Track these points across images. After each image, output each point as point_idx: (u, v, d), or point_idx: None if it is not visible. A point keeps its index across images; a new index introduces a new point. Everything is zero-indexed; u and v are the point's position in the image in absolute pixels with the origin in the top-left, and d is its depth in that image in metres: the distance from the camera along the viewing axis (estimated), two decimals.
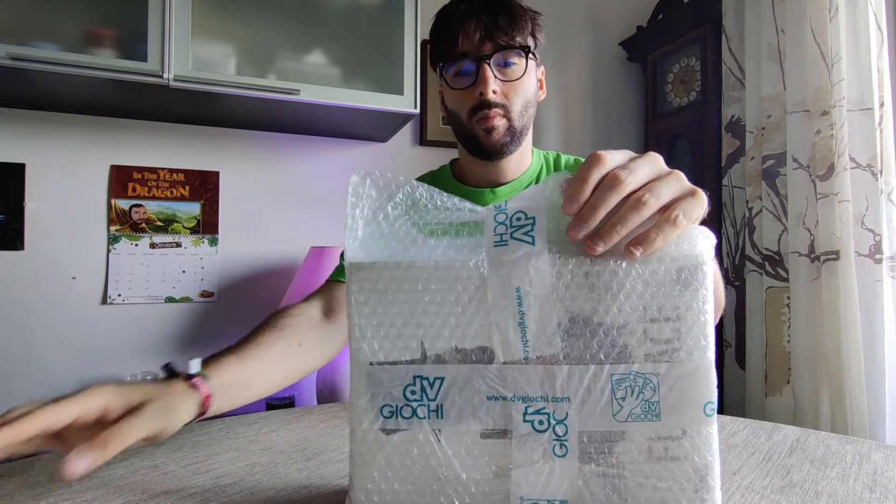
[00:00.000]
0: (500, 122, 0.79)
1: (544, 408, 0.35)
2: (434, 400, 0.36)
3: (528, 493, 0.35)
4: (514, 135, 0.81)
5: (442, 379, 0.36)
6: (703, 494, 0.34)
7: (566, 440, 0.35)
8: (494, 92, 0.77)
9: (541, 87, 0.86)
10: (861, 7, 1.28)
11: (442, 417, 0.36)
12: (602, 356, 0.35)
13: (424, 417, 0.36)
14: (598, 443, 0.35)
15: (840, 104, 1.27)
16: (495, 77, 0.78)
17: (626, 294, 0.35)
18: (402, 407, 0.36)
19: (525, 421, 0.35)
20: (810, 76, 1.35)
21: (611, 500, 0.35)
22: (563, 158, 0.94)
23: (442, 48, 0.80)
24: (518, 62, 0.79)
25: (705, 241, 0.36)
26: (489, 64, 0.77)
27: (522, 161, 0.89)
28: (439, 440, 0.36)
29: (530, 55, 0.80)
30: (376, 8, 1.46)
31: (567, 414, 0.35)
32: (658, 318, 0.34)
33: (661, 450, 0.34)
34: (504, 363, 0.36)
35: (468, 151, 0.86)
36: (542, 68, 0.86)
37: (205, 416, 0.54)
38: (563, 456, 0.35)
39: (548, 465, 0.35)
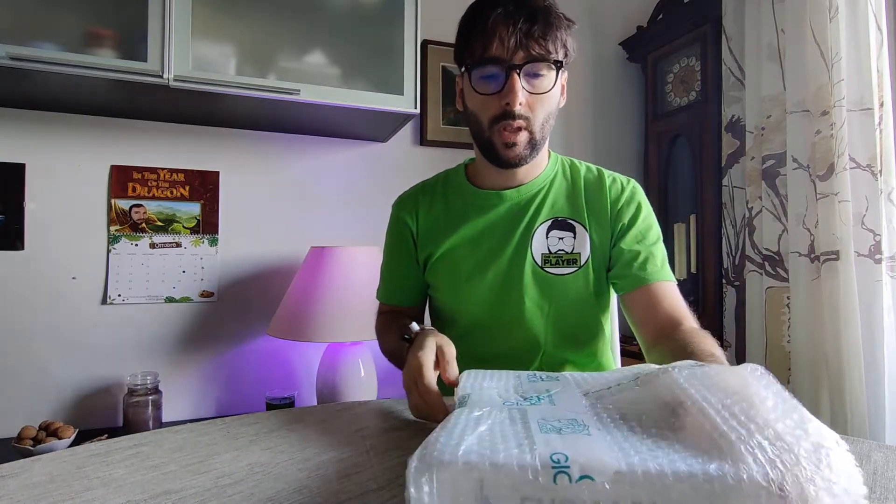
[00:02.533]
0: (521, 136, 0.78)
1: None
2: None
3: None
4: (533, 147, 0.81)
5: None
6: None
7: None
8: (521, 104, 0.76)
9: (562, 93, 0.84)
10: (861, 7, 1.28)
11: None
12: None
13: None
14: None
15: (840, 104, 1.27)
16: (523, 88, 0.76)
17: None
18: None
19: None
20: (810, 76, 1.35)
21: None
22: (583, 168, 0.92)
23: (472, 48, 0.77)
24: (548, 74, 0.77)
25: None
26: (519, 74, 0.75)
27: (537, 165, 0.88)
28: None
29: (561, 68, 0.78)
30: (376, 8, 1.46)
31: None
32: None
33: None
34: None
35: (483, 155, 0.85)
36: (565, 74, 0.83)
37: None
38: None
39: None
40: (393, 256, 0.97)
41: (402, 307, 0.98)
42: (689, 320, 0.78)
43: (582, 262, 0.85)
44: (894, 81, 1.31)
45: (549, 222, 0.87)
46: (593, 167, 0.93)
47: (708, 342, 0.70)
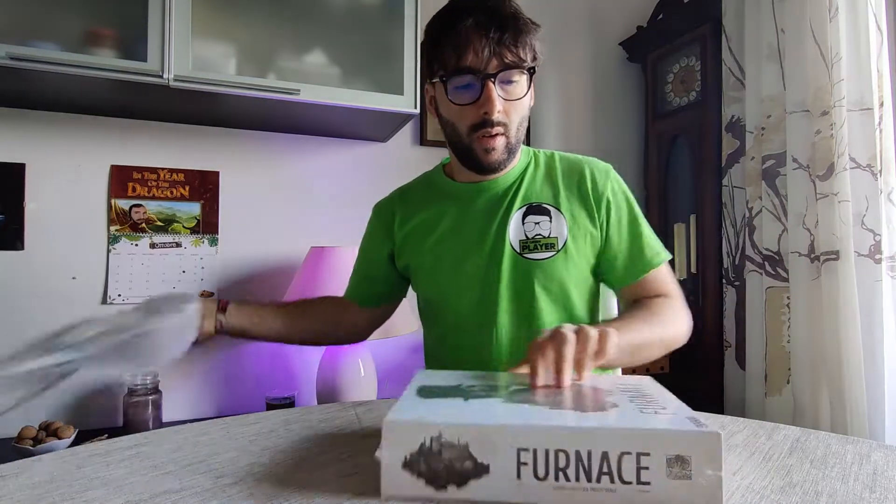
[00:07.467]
0: (500, 142, 0.80)
1: None
2: None
3: None
4: (510, 151, 0.82)
5: None
6: None
7: None
8: (499, 111, 0.78)
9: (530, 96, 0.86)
10: (861, 7, 1.28)
11: None
12: None
13: None
14: None
15: (840, 104, 1.27)
16: (499, 96, 0.78)
17: None
18: None
19: None
20: (810, 76, 1.35)
21: None
22: (557, 156, 0.94)
23: (445, 59, 0.79)
24: (520, 80, 0.79)
25: None
26: (494, 82, 0.77)
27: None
28: None
29: (533, 73, 0.80)
30: (376, 8, 1.46)
31: None
32: None
33: None
34: None
35: (461, 161, 0.87)
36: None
37: (226, 330, 0.91)
38: None
39: None
40: (363, 254, 1.04)
41: (354, 304, 1.03)
42: (673, 298, 0.87)
43: (559, 246, 0.86)
44: (894, 81, 1.32)
45: (524, 208, 0.88)
46: (566, 154, 0.94)
47: (662, 311, 0.82)
